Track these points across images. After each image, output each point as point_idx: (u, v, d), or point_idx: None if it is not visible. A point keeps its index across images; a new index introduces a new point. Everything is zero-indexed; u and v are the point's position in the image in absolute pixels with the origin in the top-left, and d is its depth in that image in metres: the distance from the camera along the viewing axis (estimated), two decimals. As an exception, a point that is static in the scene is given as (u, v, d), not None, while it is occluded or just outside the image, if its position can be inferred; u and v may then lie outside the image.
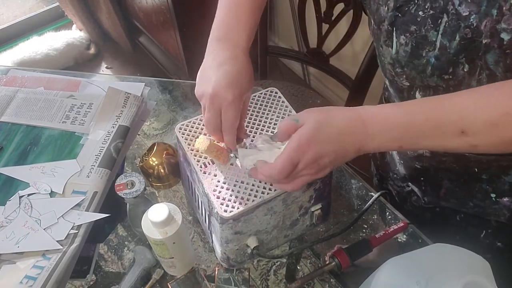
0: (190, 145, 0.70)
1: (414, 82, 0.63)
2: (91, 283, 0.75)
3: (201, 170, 0.68)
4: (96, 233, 0.76)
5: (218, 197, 0.64)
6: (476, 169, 0.68)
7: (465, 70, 0.55)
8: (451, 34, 0.54)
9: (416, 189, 0.81)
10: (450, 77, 0.57)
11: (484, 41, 0.51)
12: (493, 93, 0.50)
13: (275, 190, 0.65)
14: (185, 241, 0.70)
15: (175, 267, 0.72)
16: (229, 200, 0.64)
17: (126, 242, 0.80)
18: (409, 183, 0.82)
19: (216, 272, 0.73)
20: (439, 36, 0.55)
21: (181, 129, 0.73)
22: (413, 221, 0.78)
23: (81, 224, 0.72)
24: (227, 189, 0.65)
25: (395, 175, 0.85)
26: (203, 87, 0.64)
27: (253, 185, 0.65)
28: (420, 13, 0.56)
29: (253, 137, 0.72)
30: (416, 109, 0.53)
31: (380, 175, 0.92)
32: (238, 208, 0.63)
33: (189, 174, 0.74)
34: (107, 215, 0.74)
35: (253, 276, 0.75)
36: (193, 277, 0.73)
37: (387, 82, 0.73)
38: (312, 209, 0.72)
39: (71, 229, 0.72)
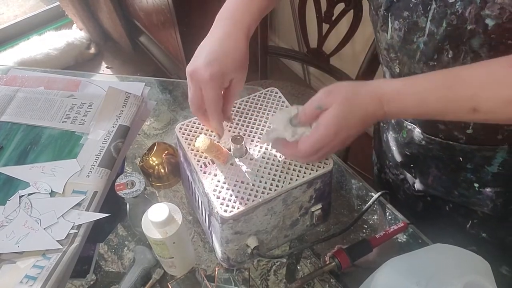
0: (190, 145, 0.70)
1: (403, 68, 0.64)
2: (91, 282, 0.75)
3: (201, 170, 0.67)
4: (96, 232, 0.76)
5: (218, 197, 0.64)
6: (461, 158, 0.69)
7: (449, 56, 0.57)
8: (439, 20, 0.55)
9: (408, 176, 0.82)
10: (435, 63, 0.59)
11: (468, 27, 0.53)
12: (506, 70, 0.50)
13: (275, 190, 0.65)
14: (185, 241, 0.70)
15: (175, 267, 0.72)
16: (229, 200, 0.64)
17: (126, 242, 0.80)
18: (401, 169, 0.83)
19: (216, 272, 0.73)
20: (428, 22, 0.57)
21: (181, 129, 0.73)
22: (407, 211, 0.79)
23: (81, 224, 0.72)
24: (227, 189, 0.65)
25: (390, 163, 0.87)
26: (189, 65, 0.64)
27: (253, 185, 0.65)
28: None
29: (253, 137, 0.72)
30: (429, 87, 0.54)
31: (380, 163, 0.93)
32: (238, 208, 0.63)
33: (189, 174, 0.74)
34: (107, 215, 0.74)
35: (253, 276, 0.75)
36: (193, 277, 0.73)
37: (383, 69, 0.74)
38: (312, 209, 0.72)
39: (71, 228, 0.72)
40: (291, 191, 0.66)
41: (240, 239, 0.68)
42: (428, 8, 0.56)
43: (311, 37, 1.43)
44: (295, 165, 0.68)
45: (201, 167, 0.68)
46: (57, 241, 0.70)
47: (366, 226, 0.80)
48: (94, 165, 0.80)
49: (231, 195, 0.64)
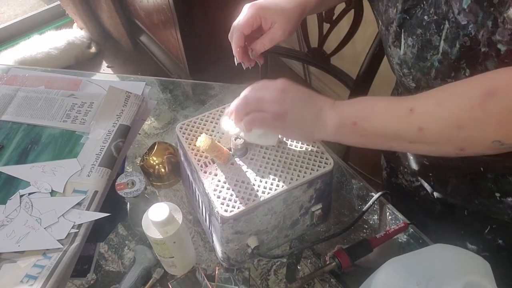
0: (190, 144, 0.70)
1: (420, 83, 0.64)
2: (92, 282, 0.75)
3: (201, 170, 0.67)
4: (97, 232, 0.76)
5: (218, 197, 0.64)
6: (482, 168, 0.68)
7: (467, 74, 0.56)
8: (452, 41, 0.55)
9: (425, 184, 0.82)
10: (453, 81, 0.58)
11: (482, 50, 0.52)
12: (449, 85, 0.53)
13: (275, 190, 0.65)
14: (185, 240, 0.70)
15: (176, 266, 0.72)
16: (230, 200, 0.64)
17: (126, 242, 0.80)
18: (419, 177, 0.83)
19: (217, 272, 0.73)
20: (442, 41, 0.56)
21: (181, 128, 0.73)
22: (423, 212, 0.79)
23: (82, 223, 0.72)
24: (228, 188, 0.65)
25: (405, 169, 0.86)
26: None
27: (253, 184, 0.65)
28: (425, 17, 0.57)
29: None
30: (377, 97, 0.58)
31: (390, 168, 0.92)
32: (238, 208, 0.63)
33: (189, 173, 0.74)
34: (108, 214, 0.74)
35: (254, 275, 0.75)
36: (193, 277, 0.73)
37: (398, 82, 0.73)
38: (313, 209, 0.72)
39: (72, 228, 0.72)
40: (291, 191, 0.66)
41: (241, 239, 0.68)
42: (441, 27, 0.55)
43: (311, 36, 1.43)
44: (295, 165, 0.68)
45: (201, 166, 0.68)
46: (57, 240, 0.70)
47: (366, 226, 0.80)
48: (95, 165, 0.80)
49: (231, 195, 0.64)
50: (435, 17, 0.56)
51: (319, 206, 0.73)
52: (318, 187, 0.69)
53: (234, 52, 0.71)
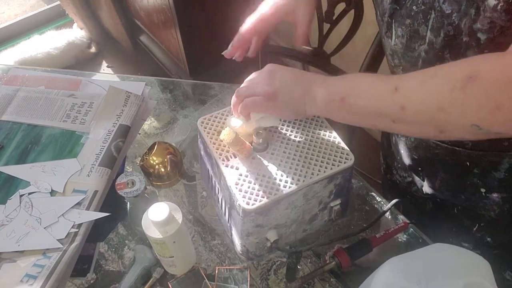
0: (212, 138, 0.71)
1: None
2: (92, 282, 0.75)
3: (223, 163, 0.68)
4: (97, 232, 0.76)
5: (240, 190, 0.64)
6: (468, 163, 0.69)
7: None
8: (437, 30, 0.56)
9: (416, 179, 0.82)
10: None
11: (464, 39, 0.53)
12: (434, 67, 0.53)
13: (296, 184, 0.65)
14: (185, 240, 0.70)
15: (175, 266, 0.72)
16: (251, 193, 0.64)
17: (126, 241, 0.80)
18: (410, 172, 0.83)
19: (216, 271, 0.73)
20: (428, 31, 0.57)
21: (203, 122, 0.73)
22: (415, 210, 0.79)
23: (82, 223, 0.72)
24: (249, 182, 0.65)
25: (398, 165, 0.87)
26: None
27: (275, 178, 0.65)
28: (414, 7, 0.58)
29: (274, 132, 0.72)
30: (366, 73, 0.59)
31: (386, 164, 0.93)
32: (260, 201, 0.63)
33: (209, 167, 0.74)
34: (108, 214, 0.74)
35: (254, 275, 0.75)
36: (193, 276, 0.73)
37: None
38: (331, 204, 0.72)
39: (72, 228, 0.72)
40: (312, 186, 0.66)
41: (261, 232, 0.68)
42: (428, 17, 0.56)
43: (311, 36, 1.43)
44: (316, 160, 0.68)
45: (223, 160, 0.68)
46: (57, 240, 0.70)
47: (366, 226, 0.80)
48: (95, 165, 0.80)
49: (253, 188, 0.65)
50: (423, 7, 0.56)
51: (338, 201, 0.73)
52: (338, 183, 0.69)
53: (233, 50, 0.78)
